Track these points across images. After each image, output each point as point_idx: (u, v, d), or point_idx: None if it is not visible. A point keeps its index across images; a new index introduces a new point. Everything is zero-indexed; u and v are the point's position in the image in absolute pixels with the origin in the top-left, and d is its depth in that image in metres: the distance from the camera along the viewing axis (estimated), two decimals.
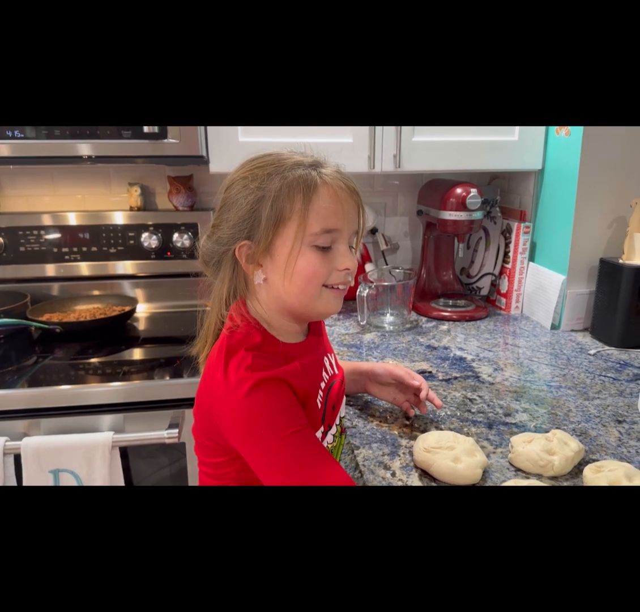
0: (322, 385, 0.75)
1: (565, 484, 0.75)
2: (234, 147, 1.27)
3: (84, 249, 1.54)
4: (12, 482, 1.04)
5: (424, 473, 0.78)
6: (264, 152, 0.70)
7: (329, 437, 0.77)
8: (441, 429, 0.89)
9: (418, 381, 0.90)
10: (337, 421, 0.80)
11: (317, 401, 0.72)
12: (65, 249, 1.53)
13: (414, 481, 0.76)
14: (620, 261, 1.26)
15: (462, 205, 1.40)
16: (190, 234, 1.56)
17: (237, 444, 0.64)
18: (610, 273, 1.28)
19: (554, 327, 1.40)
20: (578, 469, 0.78)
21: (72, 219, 1.52)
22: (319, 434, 0.72)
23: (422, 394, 0.89)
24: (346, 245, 0.69)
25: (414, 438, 0.86)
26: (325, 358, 0.79)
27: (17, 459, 1.04)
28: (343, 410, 0.83)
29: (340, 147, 1.25)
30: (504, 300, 1.57)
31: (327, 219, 0.66)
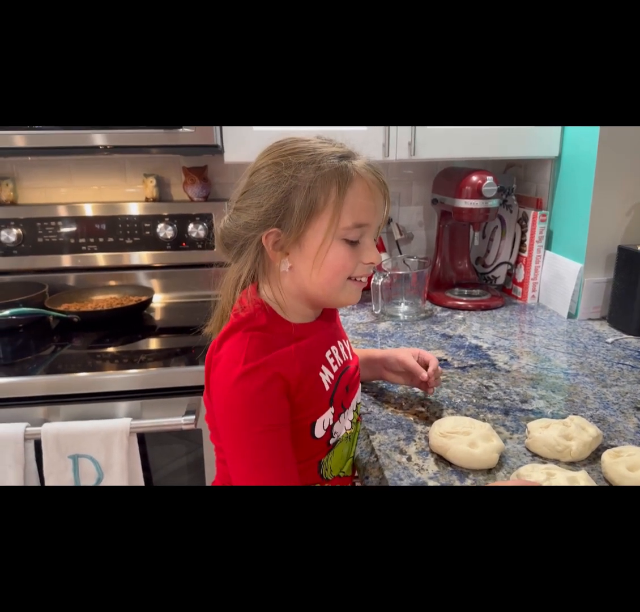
0: (334, 367, 0.75)
1: (583, 469, 0.74)
2: (248, 137, 1.27)
3: (101, 239, 1.55)
4: (33, 466, 1.06)
5: (440, 458, 0.78)
6: (292, 138, 0.69)
7: (347, 423, 0.77)
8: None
9: (430, 364, 0.91)
10: (354, 407, 0.80)
11: (325, 382, 0.72)
12: (82, 240, 1.55)
13: (430, 465, 0.76)
14: (639, 248, 1.25)
15: (477, 193, 1.39)
16: (205, 224, 1.56)
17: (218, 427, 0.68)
18: (628, 261, 1.26)
19: (570, 315, 1.39)
20: (596, 455, 0.77)
21: (89, 210, 1.54)
22: (328, 416, 0.72)
23: (430, 382, 0.91)
24: (372, 239, 0.70)
25: (430, 424, 0.86)
26: (340, 343, 0.79)
27: (38, 444, 1.06)
28: (359, 397, 0.84)
29: (355, 135, 1.24)
30: (520, 289, 1.55)
31: (360, 213, 0.66)
